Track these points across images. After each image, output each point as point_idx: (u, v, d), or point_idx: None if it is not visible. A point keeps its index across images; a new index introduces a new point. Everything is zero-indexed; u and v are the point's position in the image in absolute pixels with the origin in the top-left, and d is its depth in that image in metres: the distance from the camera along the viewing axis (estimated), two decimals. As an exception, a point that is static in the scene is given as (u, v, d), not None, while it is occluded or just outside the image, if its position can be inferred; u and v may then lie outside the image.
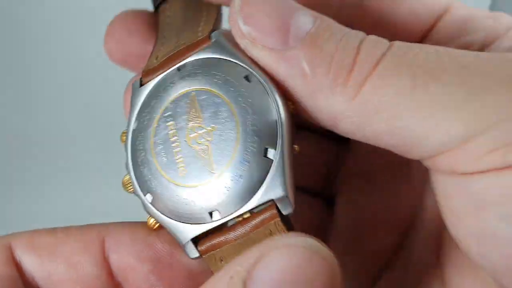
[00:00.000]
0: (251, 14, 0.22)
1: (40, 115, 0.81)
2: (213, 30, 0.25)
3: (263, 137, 0.22)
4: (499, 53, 0.24)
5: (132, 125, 0.25)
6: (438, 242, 0.28)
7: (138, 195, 0.24)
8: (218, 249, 0.23)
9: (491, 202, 0.21)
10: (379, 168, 0.32)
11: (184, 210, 0.23)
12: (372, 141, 0.22)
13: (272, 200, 0.22)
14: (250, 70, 0.23)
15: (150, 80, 0.25)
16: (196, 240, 0.23)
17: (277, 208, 0.22)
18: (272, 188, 0.22)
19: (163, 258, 0.25)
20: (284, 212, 0.22)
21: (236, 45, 0.24)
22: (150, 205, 0.24)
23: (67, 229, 0.26)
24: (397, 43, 0.22)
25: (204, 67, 0.24)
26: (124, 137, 0.25)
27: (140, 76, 0.25)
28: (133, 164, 0.24)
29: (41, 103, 0.81)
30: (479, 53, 0.23)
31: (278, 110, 0.23)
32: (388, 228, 0.31)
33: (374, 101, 0.21)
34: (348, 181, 0.33)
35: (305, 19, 0.23)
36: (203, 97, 0.23)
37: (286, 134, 0.23)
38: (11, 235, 0.26)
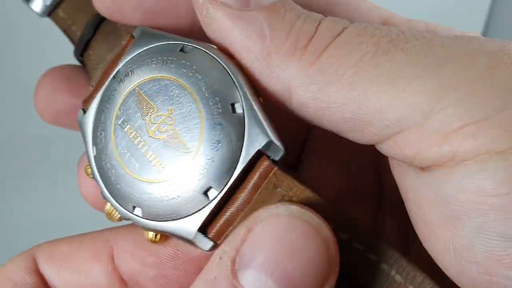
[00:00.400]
0: None
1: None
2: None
3: (223, 95, 0.21)
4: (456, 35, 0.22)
5: (92, 153, 0.24)
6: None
7: (126, 218, 0.23)
8: (230, 227, 0.21)
9: (466, 210, 0.18)
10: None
11: (178, 204, 0.22)
12: (326, 118, 0.21)
13: (259, 151, 0.21)
14: (183, 42, 0.23)
15: (91, 103, 0.24)
16: (203, 230, 0.22)
17: (269, 158, 0.21)
18: (255, 139, 0.21)
19: (167, 263, 0.25)
20: (276, 157, 0.21)
21: (160, 30, 0.24)
22: (141, 219, 0.22)
23: (81, 238, 0.26)
24: (357, 22, 0.21)
25: (137, 61, 0.23)
26: (89, 169, 0.24)
27: (81, 108, 0.25)
28: (107, 189, 0.23)
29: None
30: (439, 35, 0.21)
31: (225, 66, 0.22)
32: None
33: (333, 68, 0.20)
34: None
35: None
36: (147, 87, 0.22)
37: (244, 84, 0.22)
38: (36, 247, 0.26)
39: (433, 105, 0.18)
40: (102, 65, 0.27)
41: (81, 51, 0.30)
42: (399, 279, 0.21)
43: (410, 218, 0.22)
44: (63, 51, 0.80)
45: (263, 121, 0.21)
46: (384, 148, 0.20)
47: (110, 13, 0.26)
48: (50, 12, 0.32)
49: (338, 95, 0.20)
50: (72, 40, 0.32)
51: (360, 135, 0.20)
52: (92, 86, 0.26)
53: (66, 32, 0.32)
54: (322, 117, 0.21)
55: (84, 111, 0.25)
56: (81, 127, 0.24)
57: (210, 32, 0.22)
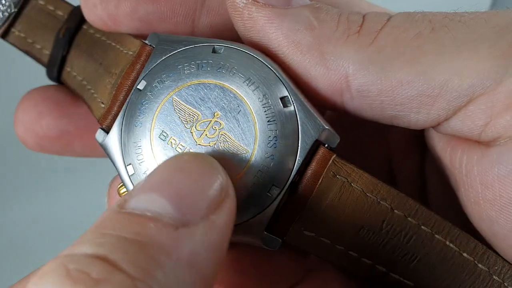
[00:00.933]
0: None
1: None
2: (143, 39, 0.24)
3: (270, 90, 0.21)
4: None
5: (126, 173, 0.22)
6: None
7: None
8: (296, 219, 0.22)
9: None
10: None
11: (241, 208, 0.21)
12: (389, 101, 0.20)
13: (317, 140, 0.21)
14: (213, 43, 0.22)
15: (112, 122, 0.23)
16: (270, 229, 0.22)
17: (326, 146, 0.21)
18: (310, 130, 0.21)
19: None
20: (334, 144, 0.21)
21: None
22: None
23: None
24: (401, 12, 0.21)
25: (165, 69, 0.22)
26: (122, 189, 0.23)
27: (100, 127, 0.24)
28: None
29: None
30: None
31: (265, 62, 0.21)
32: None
33: (393, 46, 0.19)
34: None
35: None
36: (186, 94, 0.21)
37: (288, 77, 0.21)
38: None
39: (503, 69, 0.18)
40: (102, 80, 0.26)
41: (58, 70, 0.28)
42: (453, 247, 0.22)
43: (467, 203, 0.21)
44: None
45: (314, 112, 0.21)
46: (453, 124, 0.20)
47: (103, 23, 0.25)
48: (3, 33, 0.29)
49: (402, 72, 0.19)
50: (38, 59, 0.30)
51: (426, 115, 0.20)
52: (102, 103, 0.25)
53: (28, 52, 0.30)
54: (384, 101, 0.20)
55: (105, 131, 0.23)
56: (105, 148, 0.23)
57: (253, 33, 0.22)
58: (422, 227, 0.22)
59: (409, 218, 0.22)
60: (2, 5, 0.28)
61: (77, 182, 0.77)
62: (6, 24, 0.29)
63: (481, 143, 0.20)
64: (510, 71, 0.18)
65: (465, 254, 0.22)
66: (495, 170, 0.19)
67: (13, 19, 0.29)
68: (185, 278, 0.16)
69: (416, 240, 0.22)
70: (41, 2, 0.29)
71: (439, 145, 0.23)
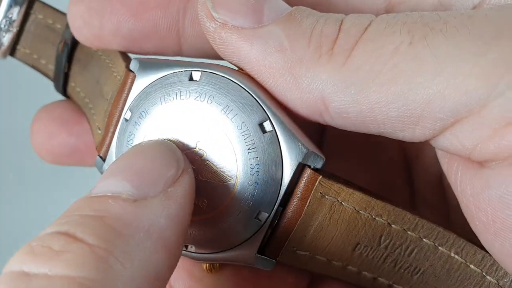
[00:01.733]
0: None
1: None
2: (127, 63, 0.23)
3: (248, 116, 0.21)
4: (500, 5, 0.20)
5: None
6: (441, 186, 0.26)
7: (185, 255, 0.23)
8: (286, 242, 0.22)
9: None
10: None
11: (233, 235, 0.21)
12: (370, 121, 0.19)
13: (300, 163, 0.21)
14: (189, 69, 0.22)
15: (106, 151, 0.24)
16: (262, 252, 0.22)
17: (311, 168, 0.21)
18: (293, 153, 0.20)
19: None
20: (318, 166, 0.21)
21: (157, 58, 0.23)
22: (197, 255, 0.23)
23: None
24: (383, 14, 0.20)
25: (147, 99, 0.22)
26: None
27: (98, 155, 0.24)
28: None
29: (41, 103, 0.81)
30: (480, 9, 0.19)
31: (242, 85, 0.21)
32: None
33: (368, 65, 0.18)
34: None
35: (279, 3, 0.21)
36: (166, 125, 0.22)
37: (267, 99, 0.21)
38: None
39: (489, 89, 0.16)
40: (99, 102, 0.26)
41: (63, 85, 0.29)
42: (458, 258, 0.22)
43: (468, 220, 0.20)
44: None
45: (297, 134, 0.21)
46: (441, 143, 0.19)
47: (90, 41, 0.26)
48: (11, 51, 0.30)
49: (380, 93, 0.18)
50: (45, 74, 0.30)
51: (411, 133, 0.19)
52: (99, 129, 0.25)
53: (35, 67, 0.31)
54: (366, 121, 0.19)
55: (102, 158, 0.24)
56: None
57: (227, 57, 0.21)
58: (424, 239, 0.22)
59: (408, 232, 0.21)
60: (3, 25, 0.29)
61: (76, 182, 0.77)
62: (12, 43, 0.30)
63: (474, 161, 0.19)
64: (495, 92, 0.17)
65: (472, 266, 0.22)
66: (486, 194, 0.18)
67: (17, 36, 0.29)
68: (145, 245, 0.17)
69: (418, 252, 0.22)
70: (40, 16, 0.29)
71: (438, 151, 0.22)
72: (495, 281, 0.22)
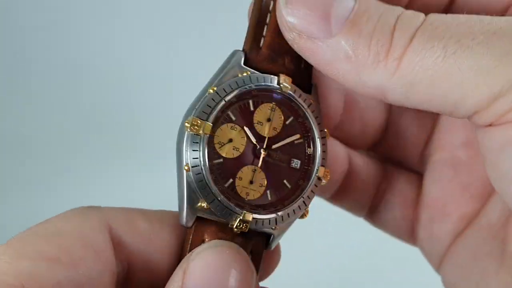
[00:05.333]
0: (296, 10, 0.25)
1: (40, 114, 0.81)
2: None
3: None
4: None
5: None
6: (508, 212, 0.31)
7: None
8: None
9: None
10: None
11: None
12: (419, 107, 0.25)
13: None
14: None
15: None
16: None
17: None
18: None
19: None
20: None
21: None
22: None
23: (160, 215, 0.28)
24: (431, 17, 0.25)
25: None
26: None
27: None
28: None
29: (41, 103, 0.81)
30: (509, 18, 0.25)
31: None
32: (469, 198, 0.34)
33: (412, 74, 0.24)
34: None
35: (343, 4, 0.25)
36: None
37: None
38: (110, 211, 0.27)
39: (492, 92, 0.23)
40: None
41: None
42: None
43: (487, 171, 0.26)
44: (63, 53, 0.79)
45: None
46: (475, 120, 0.25)
47: None
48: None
49: (423, 93, 0.24)
50: None
51: (450, 115, 0.25)
52: None
53: None
54: (417, 106, 0.25)
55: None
56: None
57: (306, 58, 0.27)
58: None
59: None
60: None
61: (76, 182, 0.77)
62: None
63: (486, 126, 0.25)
64: (496, 93, 0.23)
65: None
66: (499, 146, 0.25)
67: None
68: None
69: None
70: None
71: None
72: None
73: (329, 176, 0.29)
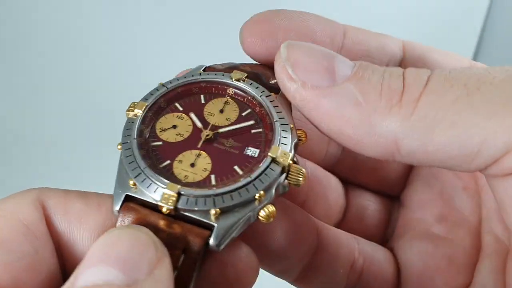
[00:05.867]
0: (299, 61, 0.25)
1: (38, 115, 0.81)
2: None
3: None
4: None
5: None
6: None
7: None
8: None
9: None
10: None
11: None
12: (434, 159, 0.23)
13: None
14: None
15: None
16: None
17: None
18: None
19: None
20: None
21: None
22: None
23: (97, 197, 0.26)
24: (438, 69, 0.23)
25: None
26: None
27: None
28: None
29: (40, 103, 0.81)
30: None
31: None
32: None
33: (432, 114, 0.22)
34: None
35: (346, 61, 0.25)
36: None
37: None
38: (43, 192, 0.26)
39: None
40: None
41: None
42: None
43: (504, 216, 0.24)
44: (62, 53, 0.79)
45: None
46: (493, 170, 0.22)
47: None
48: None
49: (442, 136, 0.22)
50: None
51: (467, 167, 0.23)
52: None
53: None
54: (430, 159, 0.23)
55: None
56: None
57: (307, 112, 0.25)
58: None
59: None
60: None
61: (75, 182, 0.77)
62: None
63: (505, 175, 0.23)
64: None
65: None
66: None
67: None
68: None
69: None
70: None
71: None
72: None
73: (288, 161, 0.25)
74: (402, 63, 0.32)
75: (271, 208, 0.24)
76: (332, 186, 0.35)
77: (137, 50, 0.80)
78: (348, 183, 0.36)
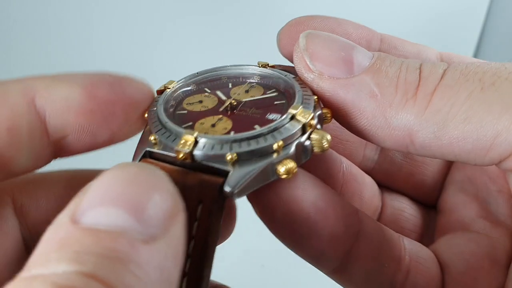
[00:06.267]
0: (317, 51, 0.25)
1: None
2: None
3: None
4: None
5: None
6: None
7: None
8: None
9: None
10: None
11: None
12: (448, 152, 0.23)
13: None
14: None
15: None
16: None
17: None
18: None
19: (106, 107, 0.24)
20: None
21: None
22: None
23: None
24: (454, 64, 0.23)
25: None
26: None
27: None
28: None
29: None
30: None
31: None
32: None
33: (447, 108, 0.22)
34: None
35: (364, 52, 0.25)
36: None
37: None
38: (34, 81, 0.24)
39: None
40: None
41: None
42: None
43: None
44: (62, 53, 0.79)
45: None
46: (508, 164, 0.22)
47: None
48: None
49: (457, 130, 0.22)
50: None
51: (481, 160, 0.23)
52: None
53: None
54: (444, 152, 0.23)
55: None
56: None
57: (325, 101, 0.25)
58: None
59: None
60: None
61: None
62: None
63: None
64: None
65: None
66: None
67: None
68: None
69: None
70: None
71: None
72: None
73: (309, 119, 0.24)
74: None
75: (291, 163, 0.23)
76: (367, 185, 0.34)
77: (145, 52, 0.80)
78: (385, 187, 0.36)
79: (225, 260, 0.59)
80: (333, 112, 0.25)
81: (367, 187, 0.34)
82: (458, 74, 0.23)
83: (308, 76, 0.25)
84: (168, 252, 0.17)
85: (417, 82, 0.23)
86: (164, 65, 0.78)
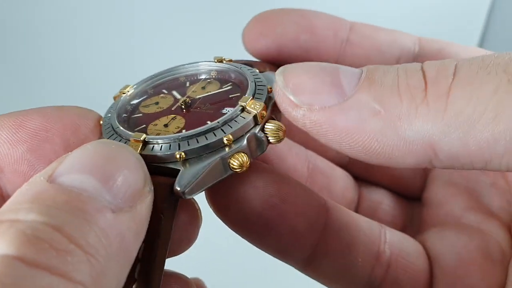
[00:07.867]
0: (298, 84, 0.22)
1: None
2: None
3: None
4: None
5: None
6: None
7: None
8: None
9: None
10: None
11: None
12: (478, 159, 0.19)
13: None
14: None
15: None
16: None
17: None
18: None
19: (39, 133, 0.25)
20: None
21: None
22: None
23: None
24: (467, 58, 0.20)
25: None
26: None
27: None
28: None
29: (40, 102, 0.81)
30: None
31: None
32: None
33: (470, 107, 0.18)
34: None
35: (351, 71, 0.22)
36: None
37: None
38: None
39: None
40: None
41: None
42: None
43: None
44: (63, 52, 0.79)
45: None
46: None
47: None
48: None
49: (486, 132, 0.18)
50: None
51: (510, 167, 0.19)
52: None
53: None
54: (474, 160, 0.19)
55: None
56: None
57: (322, 136, 0.22)
58: None
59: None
60: None
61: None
62: None
63: None
64: None
65: None
66: None
67: None
68: (117, 258, 0.18)
69: None
70: None
71: None
72: None
73: (260, 110, 0.23)
74: (418, 58, 0.29)
75: (244, 157, 0.22)
76: (337, 178, 0.33)
77: (136, 48, 0.80)
78: (364, 181, 0.35)
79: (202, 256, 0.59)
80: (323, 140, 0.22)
81: (337, 180, 0.32)
82: (476, 68, 0.19)
83: (297, 114, 0.22)
84: (131, 226, 0.18)
85: (423, 84, 0.20)
86: (157, 63, 0.78)
